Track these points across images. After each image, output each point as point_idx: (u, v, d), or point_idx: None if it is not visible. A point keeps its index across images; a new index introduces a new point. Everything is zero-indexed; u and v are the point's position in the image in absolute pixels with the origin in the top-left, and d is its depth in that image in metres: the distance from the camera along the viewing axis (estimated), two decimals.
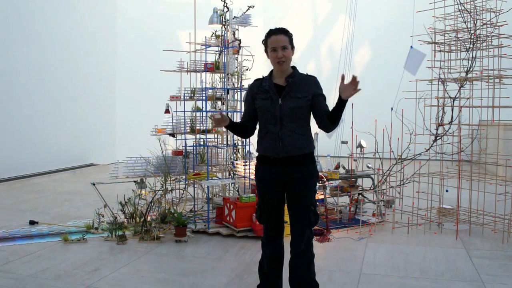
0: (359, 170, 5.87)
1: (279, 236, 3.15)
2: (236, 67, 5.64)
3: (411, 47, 5.54)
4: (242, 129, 3.22)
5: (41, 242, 4.71)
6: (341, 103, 2.87)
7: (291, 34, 3.12)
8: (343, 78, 2.83)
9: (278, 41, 3.02)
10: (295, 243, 3.04)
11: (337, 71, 10.25)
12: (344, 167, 5.84)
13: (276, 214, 3.12)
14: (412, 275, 3.84)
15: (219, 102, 5.78)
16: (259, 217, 3.19)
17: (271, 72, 3.16)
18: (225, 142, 5.75)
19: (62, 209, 6.32)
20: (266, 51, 3.12)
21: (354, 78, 2.77)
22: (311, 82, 3.08)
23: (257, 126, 3.17)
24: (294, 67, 3.16)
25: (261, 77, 3.19)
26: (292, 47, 3.09)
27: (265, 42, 3.10)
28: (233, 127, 3.17)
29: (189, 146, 5.45)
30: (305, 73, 3.15)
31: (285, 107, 2.97)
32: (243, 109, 5.26)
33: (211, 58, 5.75)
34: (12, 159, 8.45)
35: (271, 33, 3.06)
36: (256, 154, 3.21)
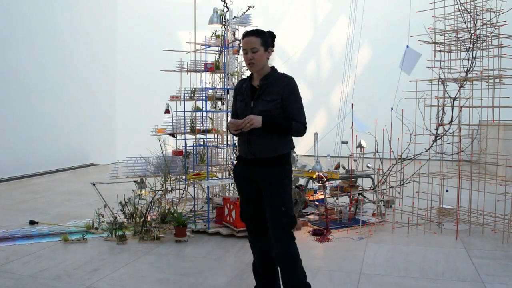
0: (359, 170, 5.87)
1: (264, 235, 3.13)
2: (236, 67, 5.64)
3: (407, 46, 5.54)
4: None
5: (41, 242, 4.71)
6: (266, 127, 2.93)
7: (268, 35, 3.04)
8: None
9: (248, 43, 2.98)
10: (273, 247, 3.05)
11: (337, 71, 10.26)
12: (344, 167, 5.84)
13: (256, 213, 3.13)
14: (412, 275, 3.84)
15: (219, 102, 5.78)
16: (240, 214, 3.27)
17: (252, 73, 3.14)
18: (225, 142, 5.75)
19: (62, 209, 6.32)
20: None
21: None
22: (283, 84, 3.00)
23: None
24: (272, 68, 3.10)
25: (246, 77, 3.19)
26: (267, 48, 3.01)
27: (240, 44, 3.15)
28: None
29: (189, 146, 5.45)
30: (282, 73, 3.08)
31: (255, 110, 2.97)
32: None
33: (211, 58, 5.75)
34: (12, 159, 8.45)
35: (243, 35, 3.04)
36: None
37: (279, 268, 3.10)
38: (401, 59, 5.60)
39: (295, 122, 2.99)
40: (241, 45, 3.06)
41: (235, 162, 3.24)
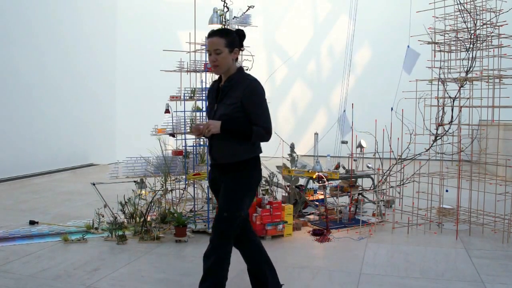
0: (359, 170, 5.87)
1: (246, 242, 3.14)
2: None
3: (408, 46, 5.54)
4: None
5: (41, 242, 4.71)
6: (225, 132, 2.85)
7: (236, 34, 2.91)
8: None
9: (211, 44, 2.86)
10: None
11: (337, 71, 10.25)
12: (344, 167, 5.84)
13: None
14: (412, 275, 3.84)
15: None
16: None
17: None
18: None
19: (62, 209, 6.32)
20: None
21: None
22: (243, 87, 2.86)
23: None
24: (239, 69, 2.95)
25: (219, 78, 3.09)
26: (232, 49, 2.88)
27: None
28: None
29: (189, 146, 5.45)
30: (247, 75, 2.96)
31: (217, 114, 2.89)
32: None
33: None
34: (12, 159, 8.45)
35: (208, 35, 2.91)
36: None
37: (205, 268, 2.95)
38: (404, 59, 5.60)
39: (257, 127, 2.84)
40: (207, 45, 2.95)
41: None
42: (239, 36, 2.94)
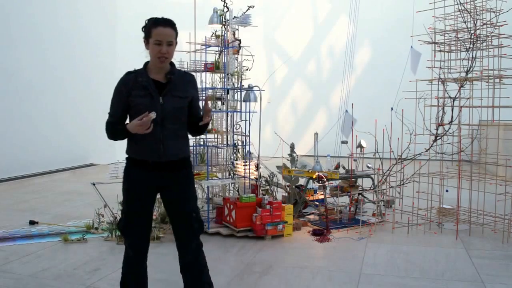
0: (359, 170, 5.87)
1: (146, 256, 2.87)
2: (236, 67, 5.64)
3: (411, 47, 5.54)
4: (118, 133, 2.78)
5: (41, 242, 4.71)
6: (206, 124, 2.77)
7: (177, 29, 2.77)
8: (206, 100, 2.71)
9: (165, 35, 2.65)
10: (181, 254, 2.84)
11: (337, 71, 10.26)
12: (344, 167, 5.84)
13: (148, 225, 2.84)
14: (412, 275, 3.84)
15: (219, 102, 5.78)
16: (124, 229, 2.82)
17: (146, 65, 2.85)
18: (225, 142, 5.75)
19: (62, 209, 6.32)
20: (146, 40, 2.76)
21: (207, 108, 2.69)
22: (192, 83, 2.84)
23: None
24: (171, 63, 2.83)
25: (133, 70, 2.85)
26: (176, 42, 2.76)
27: (148, 30, 2.72)
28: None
29: None
30: (183, 71, 2.93)
31: (168, 107, 2.68)
32: (242, 109, 5.34)
33: (211, 58, 5.75)
34: (12, 159, 8.45)
35: (159, 23, 2.68)
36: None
37: (186, 279, 2.85)
38: (408, 60, 5.61)
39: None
40: (152, 34, 2.69)
41: (125, 167, 2.82)
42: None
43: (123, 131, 2.70)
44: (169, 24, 2.71)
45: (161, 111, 2.67)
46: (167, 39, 2.67)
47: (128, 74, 2.83)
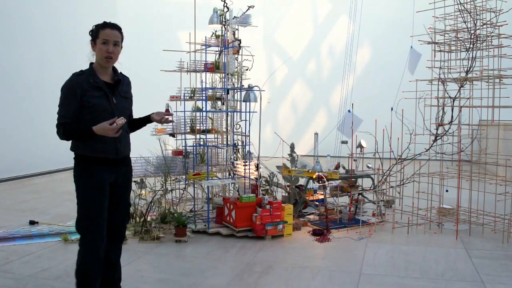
0: (359, 170, 5.87)
1: (104, 248, 2.96)
2: (236, 67, 5.65)
3: (411, 47, 5.54)
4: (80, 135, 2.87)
5: (41, 242, 4.71)
6: (147, 122, 3.15)
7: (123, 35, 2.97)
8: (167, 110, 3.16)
9: (113, 35, 2.85)
10: (111, 251, 3.03)
11: (337, 71, 10.26)
12: (344, 167, 5.84)
13: (105, 220, 2.94)
14: (412, 275, 3.84)
15: (219, 102, 5.78)
16: (95, 228, 2.87)
17: (92, 67, 2.95)
18: (225, 142, 5.75)
19: (62, 209, 6.32)
20: (93, 42, 2.92)
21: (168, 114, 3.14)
22: (130, 85, 3.11)
23: None
24: (113, 66, 3.01)
25: (80, 71, 2.92)
26: (121, 47, 2.95)
27: (95, 33, 2.88)
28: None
29: (189, 146, 5.45)
30: (120, 72, 3.05)
31: (119, 107, 2.91)
32: (242, 109, 5.34)
33: (211, 58, 5.75)
34: (12, 159, 8.45)
35: (107, 26, 2.87)
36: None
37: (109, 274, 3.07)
38: (408, 60, 5.61)
39: None
40: (100, 34, 2.85)
41: (83, 168, 2.90)
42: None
43: (87, 131, 2.77)
44: (116, 27, 2.91)
45: (115, 110, 2.86)
46: (114, 39, 2.85)
47: (79, 75, 2.88)
